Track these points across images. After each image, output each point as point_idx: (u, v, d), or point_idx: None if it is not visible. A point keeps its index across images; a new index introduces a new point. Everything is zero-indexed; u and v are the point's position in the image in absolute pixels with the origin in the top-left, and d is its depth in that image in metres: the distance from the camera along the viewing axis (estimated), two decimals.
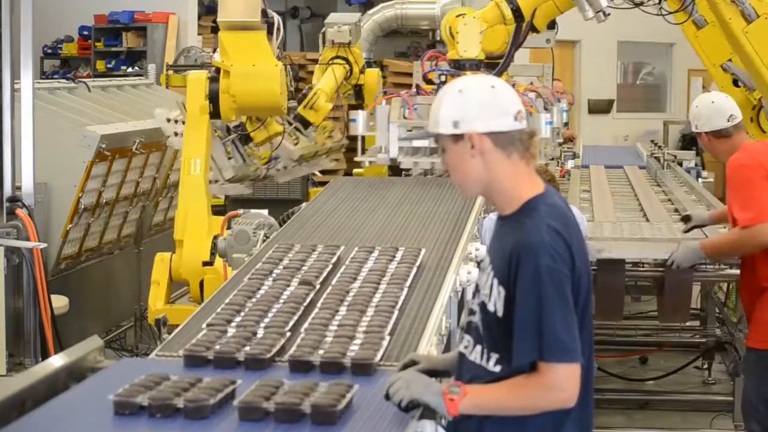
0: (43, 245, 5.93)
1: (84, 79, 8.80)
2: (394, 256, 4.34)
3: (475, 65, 7.12)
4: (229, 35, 6.40)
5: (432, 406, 2.88)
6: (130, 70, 14.54)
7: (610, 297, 6.16)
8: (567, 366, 2.86)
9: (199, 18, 15.58)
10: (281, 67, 6.32)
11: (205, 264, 6.12)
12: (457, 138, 2.94)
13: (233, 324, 3.59)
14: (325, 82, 8.07)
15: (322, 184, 8.46)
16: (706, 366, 8.26)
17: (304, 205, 6.06)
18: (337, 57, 8.33)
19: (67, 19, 15.05)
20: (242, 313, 3.70)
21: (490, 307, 2.95)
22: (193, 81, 6.52)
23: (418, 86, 7.27)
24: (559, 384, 2.86)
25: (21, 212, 5.90)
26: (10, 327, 5.84)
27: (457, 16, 7.25)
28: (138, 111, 8.10)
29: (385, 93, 7.05)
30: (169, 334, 3.86)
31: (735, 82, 9.17)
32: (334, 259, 4.31)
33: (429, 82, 7.31)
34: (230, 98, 6.35)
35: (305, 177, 10.62)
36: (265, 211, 5.70)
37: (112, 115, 7.56)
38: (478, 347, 3.01)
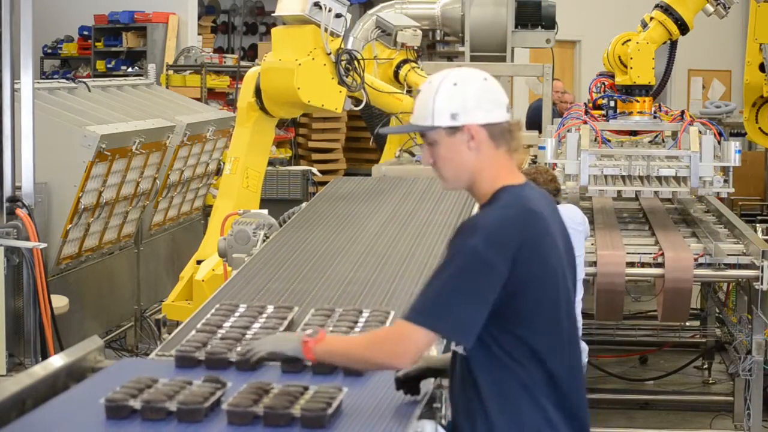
0: (43, 245, 5.92)
1: (84, 79, 8.79)
2: (357, 322, 3.70)
3: (645, 91, 7.22)
4: (275, 31, 6.45)
5: (289, 353, 2.98)
6: (130, 70, 14.53)
7: (610, 297, 6.16)
8: (419, 329, 2.84)
9: (199, 18, 15.58)
10: (307, 61, 6.24)
11: (198, 262, 6.16)
12: (454, 130, 2.94)
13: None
14: None
15: (322, 184, 8.48)
16: (706, 366, 8.26)
17: (304, 205, 6.07)
18: (407, 60, 8.32)
19: (67, 19, 15.04)
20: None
21: None
22: (246, 77, 6.58)
23: (587, 111, 7.35)
24: (401, 337, 2.86)
25: (21, 212, 5.89)
26: (10, 327, 5.83)
27: (623, 44, 7.37)
28: (138, 111, 8.09)
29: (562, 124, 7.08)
30: (169, 333, 3.86)
31: (762, 67, 9.18)
32: (284, 326, 3.69)
33: (598, 107, 7.41)
34: (266, 94, 6.40)
35: (305, 176, 10.64)
36: (265, 211, 5.70)
37: (112, 115, 7.55)
38: None
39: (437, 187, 6.04)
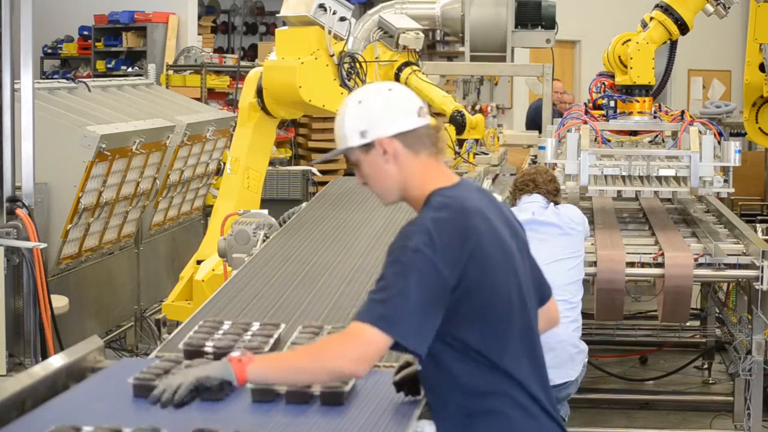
0: (43, 245, 5.93)
1: (84, 79, 8.79)
2: None
3: (645, 91, 7.22)
4: (279, 32, 6.48)
5: (219, 376, 2.75)
6: (130, 70, 14.54)
7: (610, 297, 6.16)
8: (382, 334, 2.73)
9: (199, 18, 15.59)
10: (310, 61, 6.25)
11: (198, 262, 6.17)
12: (368, 147, 2.93)
13: None
14: (442, 98, 7.95)
15: (322, 184, 8.48)
16: (706, 366, 8.27)
17: (304, 205, 6.07)
18: (408, 63, 8.34)
19: (67, 19, 15.05)
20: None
21: None
22: (248, 78, 6.60)
23: (587, 111, 7.36)
24: (365, 342, 2.72)
25: (21, 212, 5.89)
26: (10, 327, 5.83)
27: (623, 44, 7.38)
28: (138, 111, 8.09)
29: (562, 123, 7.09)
30: (169, 333, 3.86)
31: (762, 67, 9.18)
32: (269, 345, 3.46)
33: (598, 107, 7.42)
34: (267, 92, 6.42)
35: (305, 176, 10.64)
36: (265, 211, 5.71)
37: (112, 115, 7.55)
38: None
39: None
